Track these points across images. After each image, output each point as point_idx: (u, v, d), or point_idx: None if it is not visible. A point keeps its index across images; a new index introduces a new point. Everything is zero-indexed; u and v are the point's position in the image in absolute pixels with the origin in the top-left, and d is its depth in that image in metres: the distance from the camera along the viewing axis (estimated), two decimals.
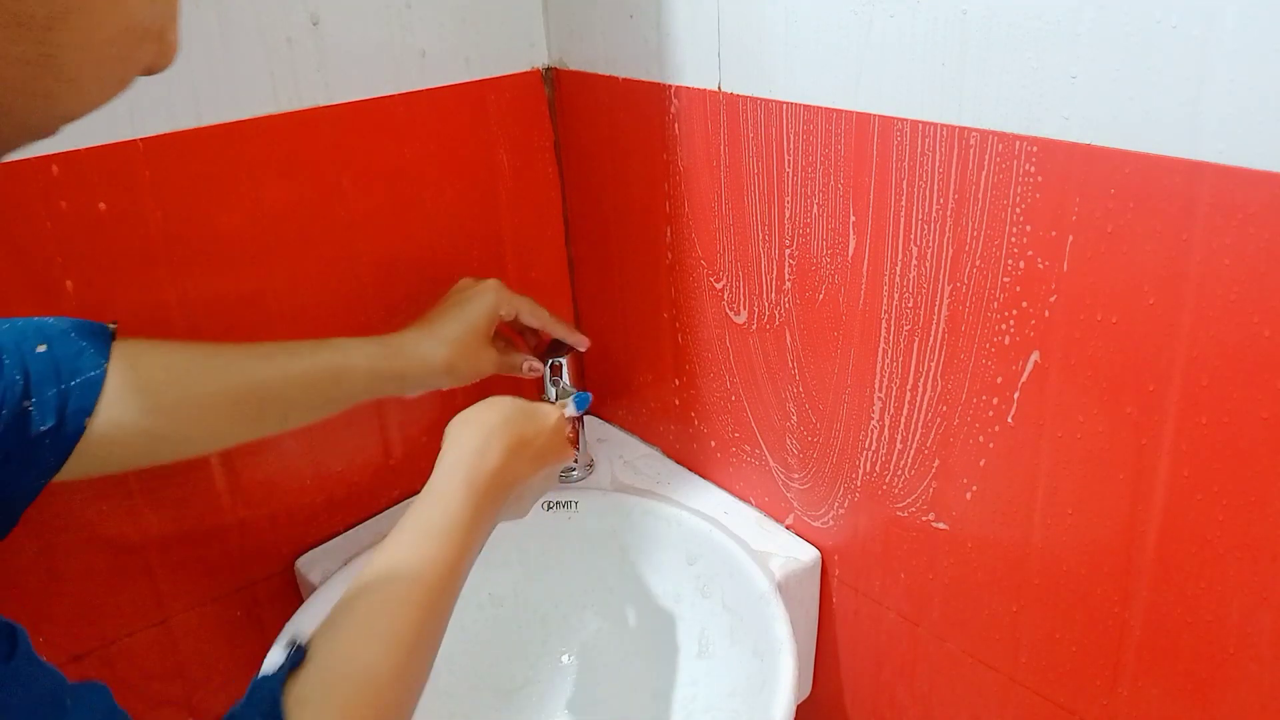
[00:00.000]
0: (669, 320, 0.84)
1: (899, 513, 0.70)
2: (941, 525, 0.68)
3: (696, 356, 0.83)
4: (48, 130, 0.34)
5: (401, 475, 0.88)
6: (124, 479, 0.72)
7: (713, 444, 0.85)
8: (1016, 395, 0.60)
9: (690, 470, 0.89)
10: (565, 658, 0.85)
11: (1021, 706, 0.67)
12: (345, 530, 0.86)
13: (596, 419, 0.98)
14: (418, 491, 0.89)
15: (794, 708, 0.65)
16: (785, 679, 0.66)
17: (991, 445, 0.62)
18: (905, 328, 0.65)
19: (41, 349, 0.57)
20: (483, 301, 0.74)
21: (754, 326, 0.76)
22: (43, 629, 0.72)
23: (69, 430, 0.57)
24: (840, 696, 0.82)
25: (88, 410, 0.57)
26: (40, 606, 0.71)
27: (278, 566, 0.83)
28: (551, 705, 0.83)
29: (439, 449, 0.89)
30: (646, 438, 0.94)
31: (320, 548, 0.84)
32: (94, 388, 0.58)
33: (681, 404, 0.87)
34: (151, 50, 0.35)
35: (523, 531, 0.85)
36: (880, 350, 0.67)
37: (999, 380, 0.60)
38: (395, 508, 0.88)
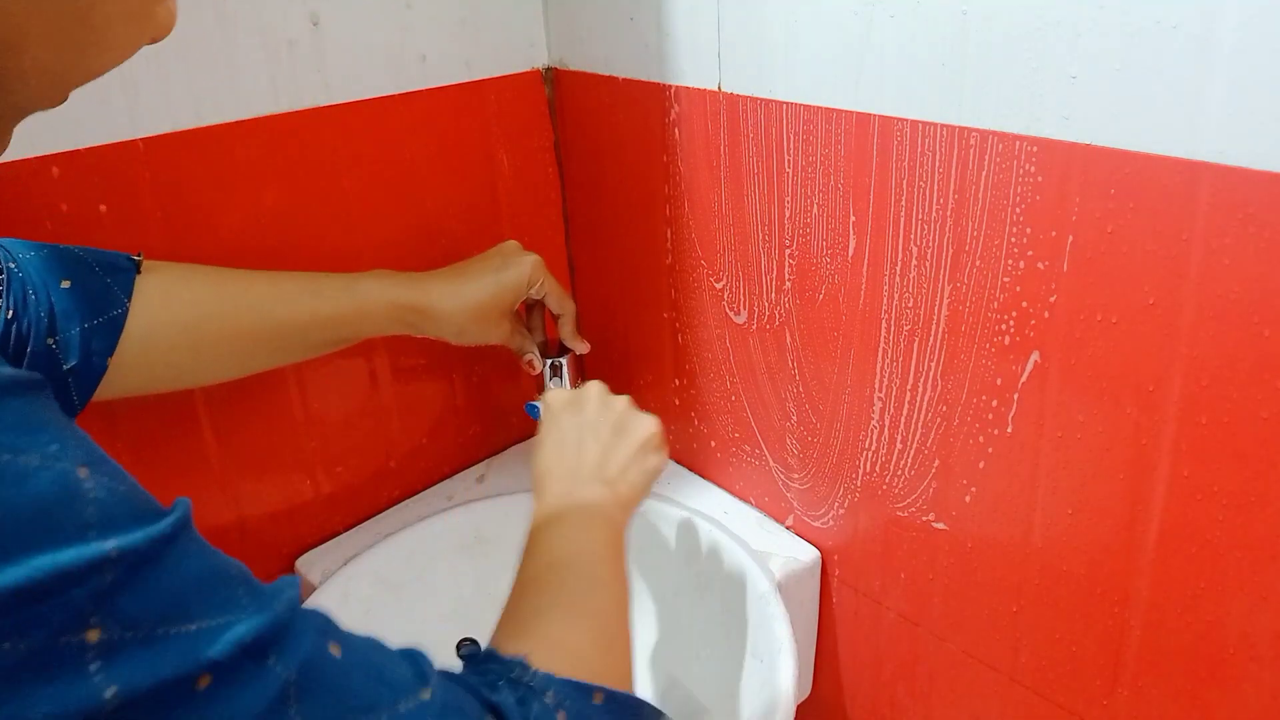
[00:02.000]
0: (669, 320, 0.84)
1: (899, 513, 0.70)
2: (941, 525, 0.68)
3: (696, 356, 0.83)
4: (65, 90, 0.37)
5: (402, 476, 0.88)
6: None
7: (713, 444, 0.85)
8: (1016, 396, 0.60)
9: (690, 470, 0.89)
10: None
11: (1021, 706, 0.67)
12: (345, 530, 0.86)
13: None
14: (417, 492, 0.90)
15: (794, 707, 0.65)
16: (785, 679, 0.66)
17: (991, 447, 0.62)
18: (905, 328, 0.65)
19: (66, 285, 0.57)
20: (518, 274, 0.75)
21: (754, 326, 0.76)
22: None
23: (92, 369, 0.58)
24: (840, 696, 0.82)
25: (109, 350, 0.58)
26: None
27: (277, 567, 0.83)
28: None
29: (445, 450, 0.89)
30: None
31: (320, 548, 0.84)
32: (116, 327, 0.59)
33: (681, 404, 0.87)
34: (160, 14, 0.39)
35: (517, 535, 0.85)
36: (880, 350, 0.67)
37: (999, 381, 0.60)
38: (395, 508, 0.88)
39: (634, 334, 0.89)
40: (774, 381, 0.76)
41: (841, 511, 0.75)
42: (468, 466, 0.92)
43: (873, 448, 0.70)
